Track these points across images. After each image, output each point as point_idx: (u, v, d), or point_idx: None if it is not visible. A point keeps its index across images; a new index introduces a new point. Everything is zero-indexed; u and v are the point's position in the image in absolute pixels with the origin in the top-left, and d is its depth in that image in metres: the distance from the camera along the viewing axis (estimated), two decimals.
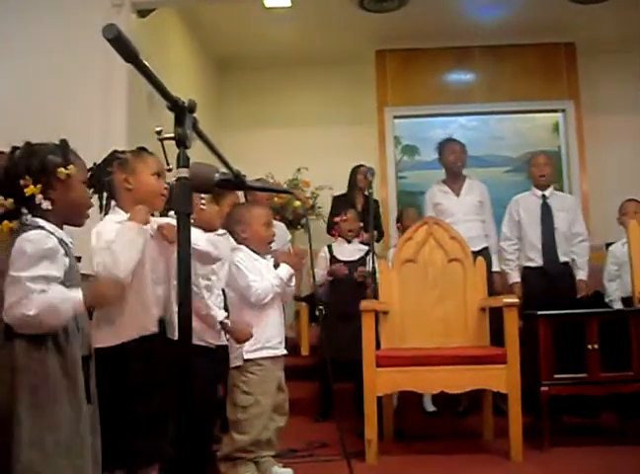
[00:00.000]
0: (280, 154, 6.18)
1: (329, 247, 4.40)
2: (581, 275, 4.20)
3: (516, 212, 4.33)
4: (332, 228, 4.67)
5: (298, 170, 6.09)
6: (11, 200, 1.69)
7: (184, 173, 1.23)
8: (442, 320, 3.62)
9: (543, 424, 3.27)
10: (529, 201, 4.31)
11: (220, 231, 2.60)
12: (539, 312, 3.40)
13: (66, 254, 1.70)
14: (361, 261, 4.20)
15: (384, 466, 3.12)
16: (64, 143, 1.78)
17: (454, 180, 4.58)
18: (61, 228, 1.75)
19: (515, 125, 6.47)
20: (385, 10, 5.64)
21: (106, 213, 2.23)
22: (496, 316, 3.38)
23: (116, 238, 2.01)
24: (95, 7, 4.17)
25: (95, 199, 2.19)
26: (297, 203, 5.68)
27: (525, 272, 4.27)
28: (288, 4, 5.37)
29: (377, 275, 3.69)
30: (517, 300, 3.23)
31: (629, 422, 3.58)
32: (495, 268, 4.37)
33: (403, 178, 6.50)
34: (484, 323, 3.59)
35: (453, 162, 4.56)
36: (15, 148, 1.75)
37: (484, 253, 4.22)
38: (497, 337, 3.39)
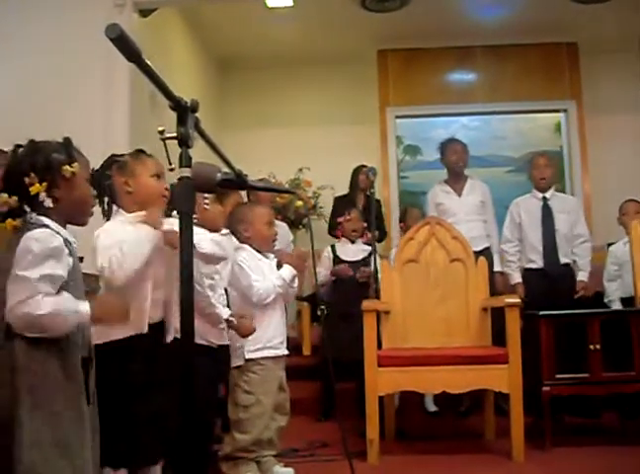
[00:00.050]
0: (281, 154, 6.18)
1: (332, 247, 4.38)
2: (581, 275, 4.19)
3: (516, 214, 4.32)
4: (334, 229, 4.66)
5: (300, 170, 6.08)
6: (15, 198, 1.66)
7: (186, 172, 1.23)
8: (444, 320, 3.62)
9: (545, 424, 3.27)
10: (530, 204, 4.30)
11: (224, 231, 2.60)
12: (541, 312, 3.40)
13: (70, 253, 1.69)
14: (365, 261, 4.19)
15: (386, 466, 3.12)
16: (68, 141, 1.76)
17: (456, 180, 4.58)
18: (64, 227, 1.73)
19: (517, 125, 6.46)
20: (387, 10, 5.63)
21: (108, 218, 2.22)
22: (498, 316, 3.38)
23: (127, 239, 2.01)
24: (97, 7, 4.17)
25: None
26: (299, 203, 5.68)
27: (526, 273, 4.26)
28: (291, 4, 5.37)
29: (379, 275, 3.69)
30: (518, 300, 3.23)
31: (631, 422, 3.58)
32: (497, 268, 4.37)
33: (405, 178, 6.49)
34: (486, 323, 3.59)
35: (455, 162, 4.56)
36: (18, 146, 1.73)
37: (486, 253, 4.21)
38: (499, 337, 3.39)
